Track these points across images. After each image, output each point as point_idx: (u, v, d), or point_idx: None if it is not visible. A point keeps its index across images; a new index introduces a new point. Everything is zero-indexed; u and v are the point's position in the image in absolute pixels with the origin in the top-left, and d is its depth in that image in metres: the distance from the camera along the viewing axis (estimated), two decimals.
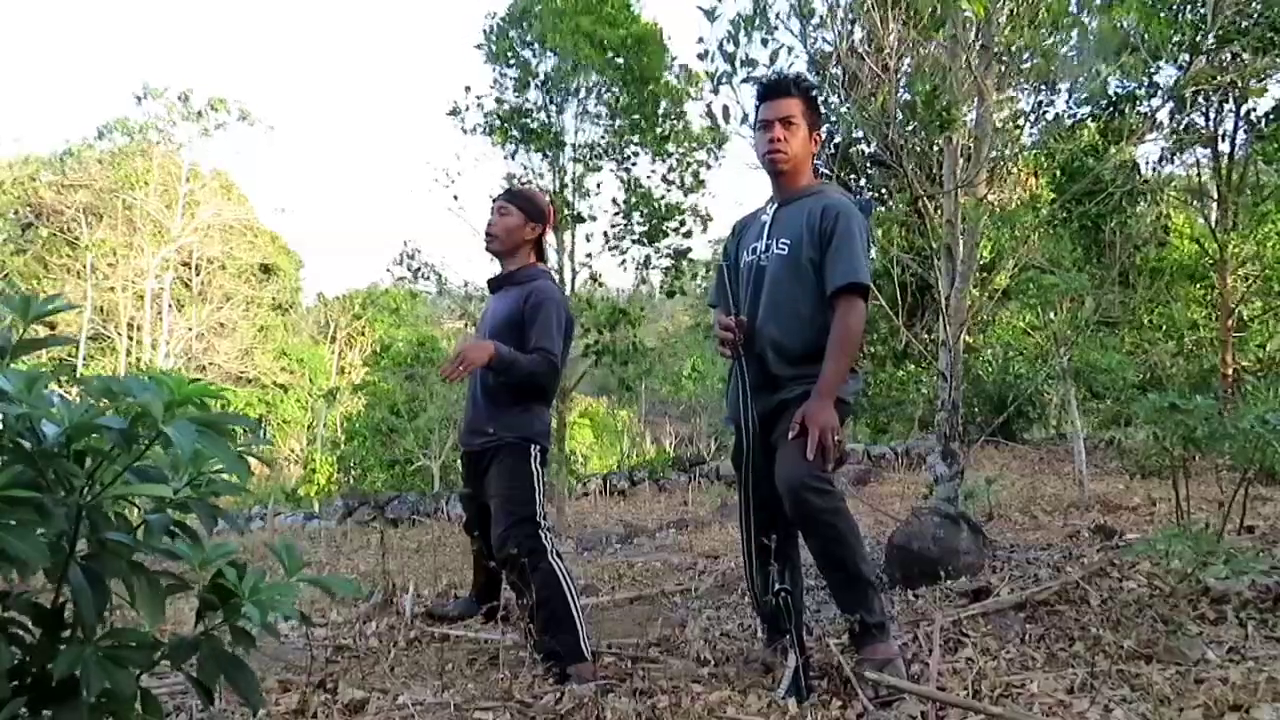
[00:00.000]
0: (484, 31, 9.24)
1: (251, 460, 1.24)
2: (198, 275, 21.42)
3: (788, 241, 2.31)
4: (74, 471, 1.07)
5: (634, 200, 9.11)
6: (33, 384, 1.02)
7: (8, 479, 0.97)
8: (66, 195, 20.20)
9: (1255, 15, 6.26)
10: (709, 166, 9.50)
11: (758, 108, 2.41)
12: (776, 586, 2.09)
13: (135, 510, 1.25)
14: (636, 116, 9.08)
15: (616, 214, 9.16)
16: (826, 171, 8.90)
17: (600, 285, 9.27)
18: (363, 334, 24.73)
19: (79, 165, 21.14)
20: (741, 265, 2.43)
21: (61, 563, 1.06)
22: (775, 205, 2.41)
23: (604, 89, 9.17)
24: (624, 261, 9.51)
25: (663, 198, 9.27)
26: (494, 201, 2.85)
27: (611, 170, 9.34)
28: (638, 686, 2.11)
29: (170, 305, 20.92)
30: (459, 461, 2.99)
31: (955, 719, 1.79)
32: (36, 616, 1.09)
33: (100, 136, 22.32)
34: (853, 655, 2.07)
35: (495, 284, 2.84)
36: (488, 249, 2.83)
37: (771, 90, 2.39)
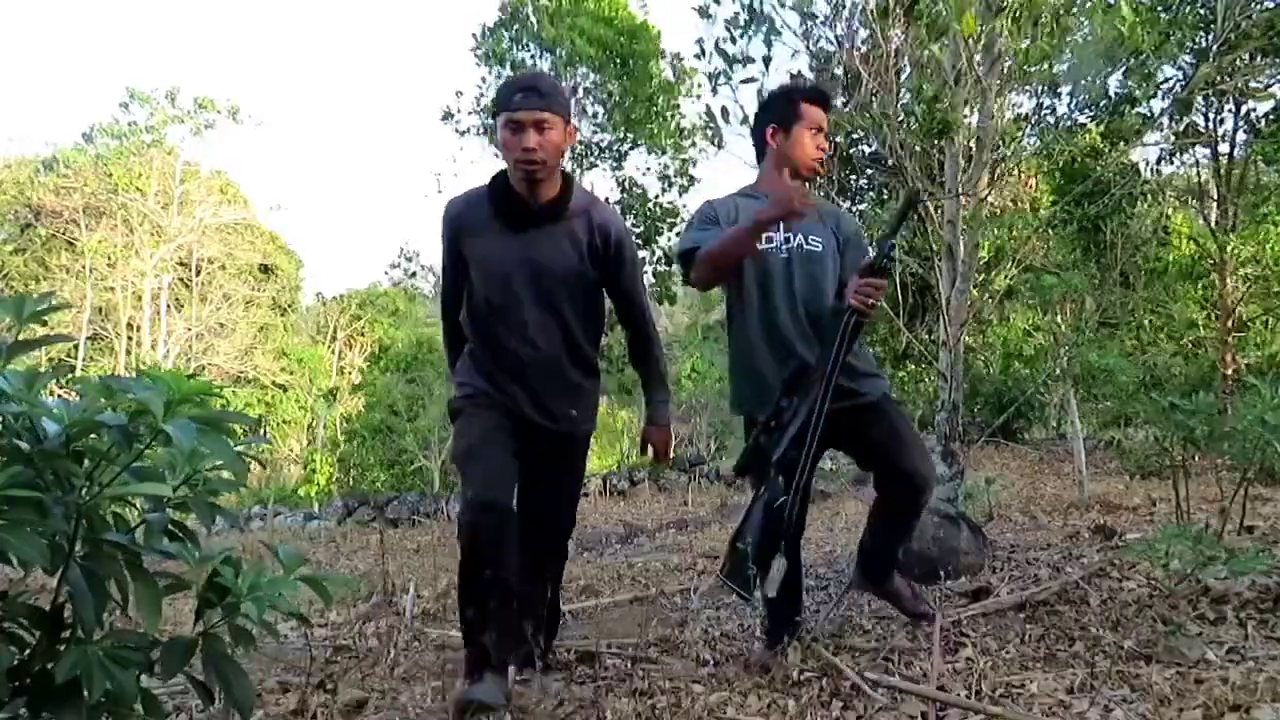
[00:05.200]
0: (474, 35, 9.26)
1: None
2: (197, 275, 21.41)
3: (819, 239, 2.33)
4: (73, 471, 1.07)
5: (628, 201, 9.10)
6: (31, 384, 1.02)
7: (7, 478, 0.97)
8: (65, 196, 20.20)
9: (1257, 19, 6.26)
10: (696, 163, 9.48)
11: (802, 110, 2.36)
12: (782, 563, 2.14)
13: (134, 510, 1.25)
14: (629, 107, 9.06)
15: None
16: (826, 173, 8.91)
17: None
18: (362, 334, 24.72)
19: (70, 170, 21.13)
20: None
21: (61, 562, 1.06)
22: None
23: (599, 85, 9.17)
24: None
25: (657, 197, 9.27)
26: (514, 112, 2.04)
27: (605, 171, 9.35)
28: (638, 686, 2.11)
29: (169, 305, 20.91)
30: None
31: (955, 719, 1.79)
32: (35, 617, 1.09)
33: (88, 140, 22.38)
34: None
35: (527, 216, 2.14)
36: (528, 180, 2.09)
37: (822, 95, 2.42)
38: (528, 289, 2.17)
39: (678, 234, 9.38)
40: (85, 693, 1.03)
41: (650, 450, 2.50)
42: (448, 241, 2.24)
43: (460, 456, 2.12)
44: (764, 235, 2.23)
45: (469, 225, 2.20)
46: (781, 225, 2.27)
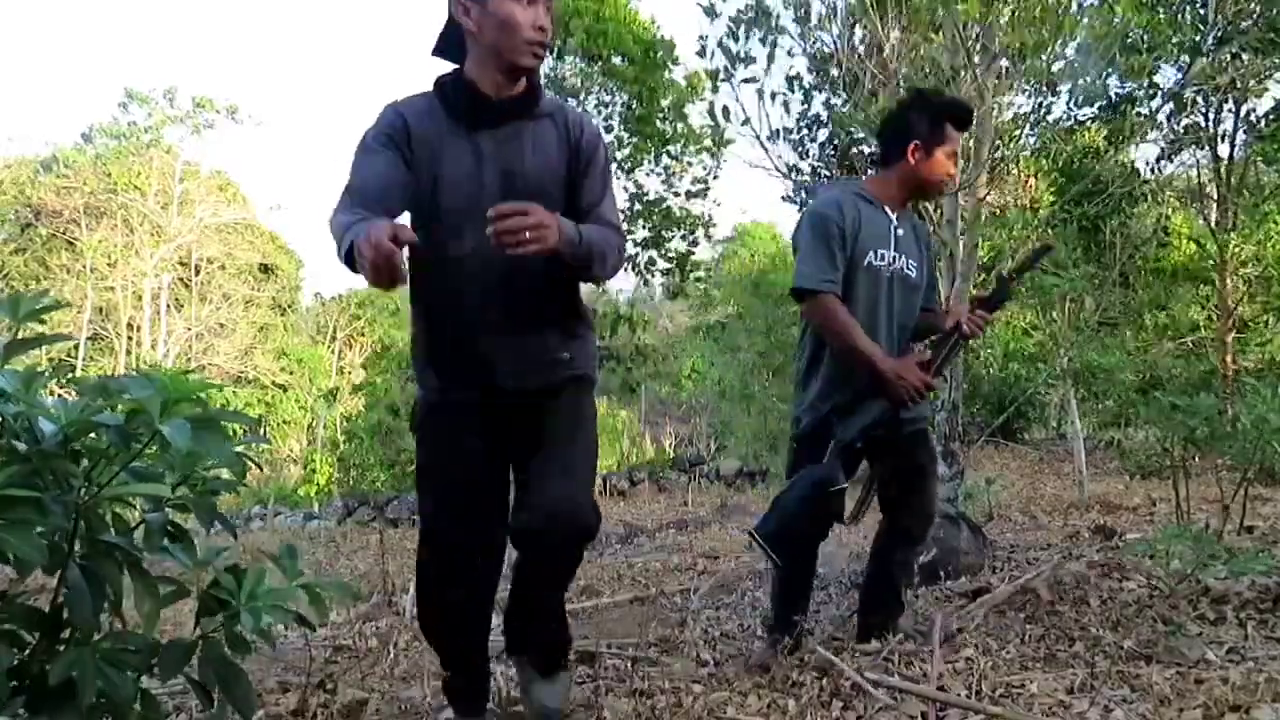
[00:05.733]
0: None
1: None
2: (197, 275, 21.41)
3: (915, 265, 2.35)
4: (70, 471, 1.07)
5: (638, 209, 9.12)
6: (30, 383, 1.02)
7: (5, 478, 0.97)
8: (65, 196, 20.20)
9: (1255, 16, 6.26)
10: (715, 175, 9.48)
11: (948, 132, 2.29)
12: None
13: (134, 510, 1.25)
14: (639, 113, 9.08)
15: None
16: (826, 173, 8.91)
17: (603, 291, 9.28)
18: (362, 335, 24.71)
19: (69, 170, 21.15)
20: (867, 265, 2.25)
21: (60, 563, 1.06)
22: (895, 215, 2.32)
23: (609, 91, 9.18)
24: (630, 266, 9.51)
25: (665, 202, 9.27)
26: None
27: (619, 175, 9.35)
28: (638, 686, 2.11)
29: (169, 305, 20.91)
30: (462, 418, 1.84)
31: (955, 719, 1.79)
32: (33, 618, 1.09)
33: (87, 140, 22.39)
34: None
35: (497, 113, 1.74)
36: (528, 66, 1.72)
37: (969, 120, 2.37)
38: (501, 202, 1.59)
39: (682, 237, 9.39)
40: (80, 694, 1.03)
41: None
42: (394, 142, 1.70)
43: (421, 472, 1.90)
44: (879, 254, 2.26)
45: (427, 137, 1.71)
46: (891, 245, 2.29)
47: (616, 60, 8.58)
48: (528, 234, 1.47)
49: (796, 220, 2.39)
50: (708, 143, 9.24)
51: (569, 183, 1.80)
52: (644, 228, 9.28)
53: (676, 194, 9.52)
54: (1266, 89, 8.60)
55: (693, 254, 9.59)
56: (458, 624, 1.88)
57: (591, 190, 1.81)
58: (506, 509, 1.85)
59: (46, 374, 1.10)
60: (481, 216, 1.50)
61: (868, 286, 2.26)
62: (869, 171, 9.68)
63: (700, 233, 9.39)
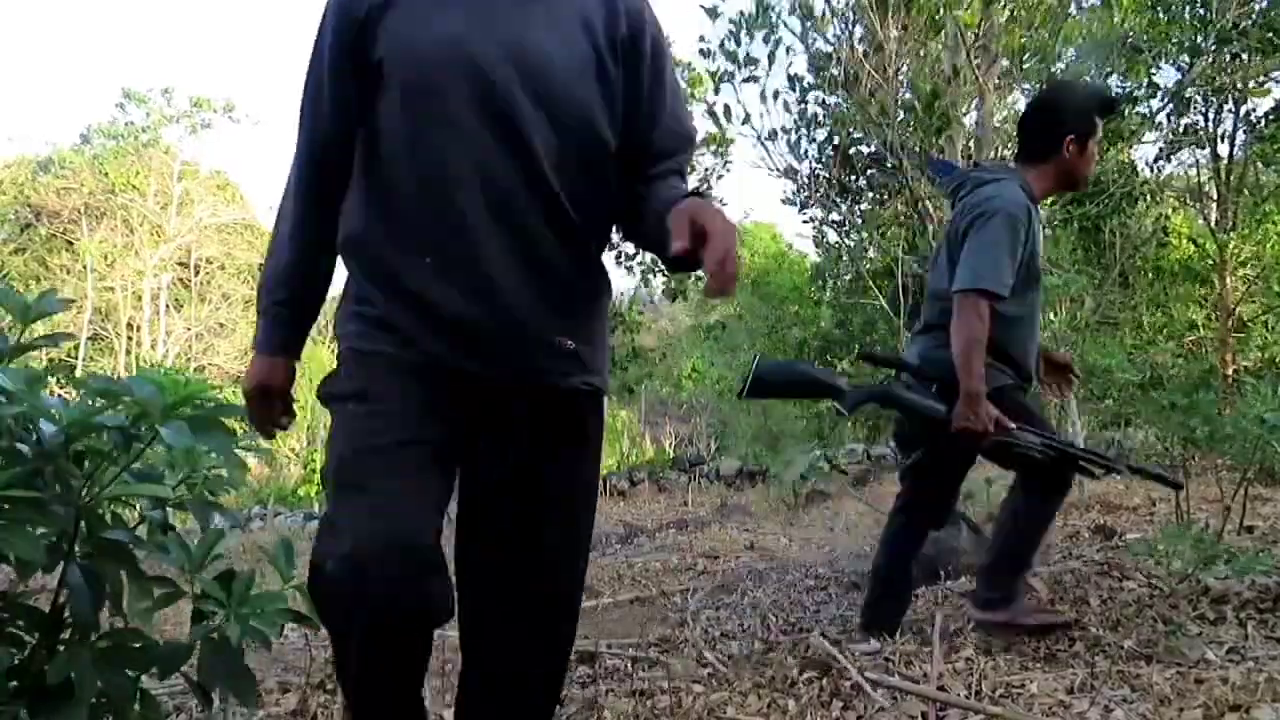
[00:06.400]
0: None
1: (250, 459, 1.24)
2: (196, 275, 21.41)
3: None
4: (71, 471, 1.07)
5: None
6: (32, 384, 1.02)
7: (7, 479, 0.97)
8: (64, 197, 20.21)
9: (1255, 16, 6.28)
10: (720, 176, 9.47)
11: (1098, 123, 2.26)
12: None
13: (134, 510, 1.25)
14: None
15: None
16: (826, 174, 8.90)
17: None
18: None
19: (68, 170, 21.15)
20: (1037, 271, 2.24)
21: (59, 563, 1.06)
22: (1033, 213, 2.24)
23: None
24: (630, 266, 9.48)
25: None
26: None
27: None
28: (638, 687, 2.11)
29: (169, 305, 20.91)
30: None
31: (955, 719, 1.79)
32: (33, 619, 1.09)
33: (85, 141, 22.38)
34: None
35: None
36: None
37: (1116, 109, 2.39)
38: (511, 97, 1.12)
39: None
40: (78, 694, 1.02)
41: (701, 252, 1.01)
42: (342, 32, 1.17)
43: (334, 472, 1.13)
44: (1040, 259, 2.26)
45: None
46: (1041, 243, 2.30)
47: None
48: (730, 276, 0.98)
49: (969, 208, 2.21)
50: (711, 145, 9.25)
51: (605, 73, 1.19)
52: None
53: None
54: (1269, 91, 8.60)
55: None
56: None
57: (661, 98, 1.24)
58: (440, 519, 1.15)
59: (47, 374, 1.11)
60: (460, 101, 1.11)
61: (1035, 292, 2.25)
62: (869, 171, 9.67)
63: None
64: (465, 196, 1.13)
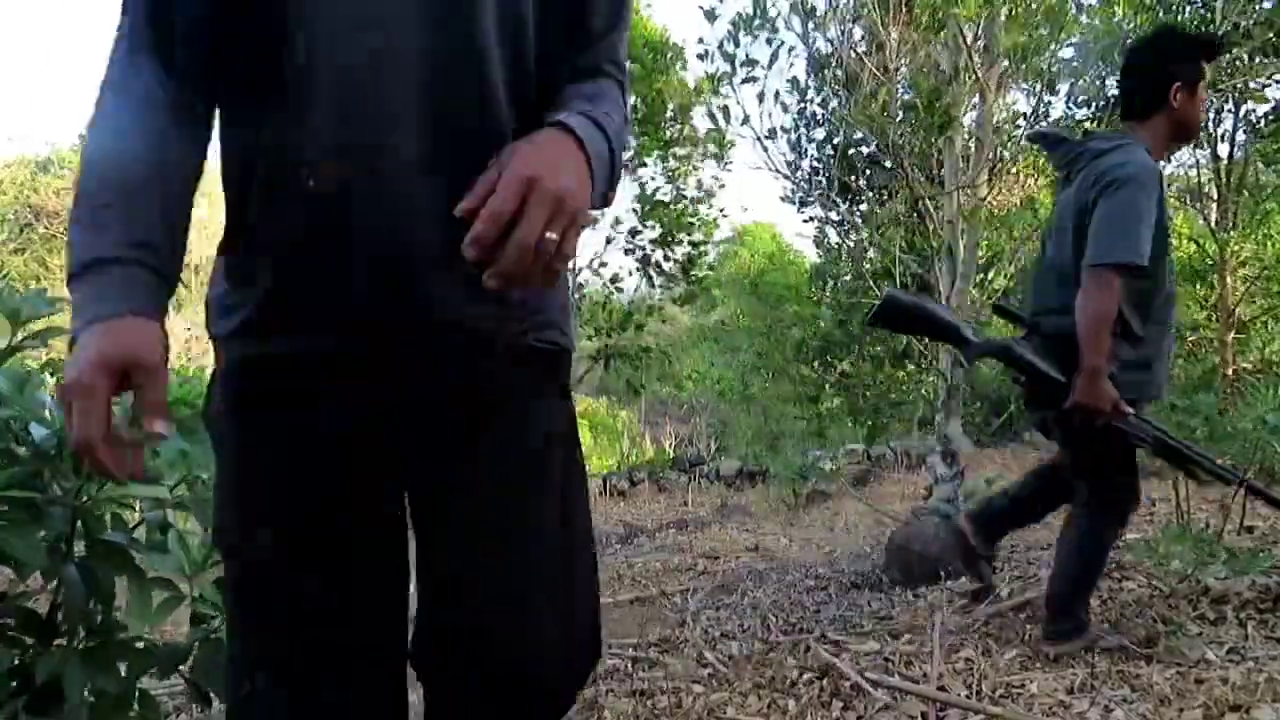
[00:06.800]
0: None
1: None
2: (196, 276, 21.41)
3: None
4: (65, 473, 1.07)
5: (646, 210, 9.12)
6: (22, 385, 1.02)
7: (4, 480, 0.97)
8: (64, 196, 20.21)
9: (1256, 16, 6.28)
10: (723, 185, 9.49)
11: (1204, 66, 2.11)
12: None
13: (134, 512, 1.25)
14: (642, 114, 9.10)
15: (626, 223, 9.20)
16: (825, 173, 8.91)
17: (619, 290, 9.25)
18: None
19: (67, 170, 21.14)
20: (1169, 236, 2.08)
21: (58, 564, 1.05)
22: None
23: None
24: (640, 264, 9.49)
25: (682, 201, 9.29)
26: None
27: (627, 174, 9.39)
28: (638, 687, 2.11)
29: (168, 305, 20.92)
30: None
31: (955, 719, 1.79)
32: (30, 620, 1.09)
33: (84, 141, 22.38)
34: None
35: None
36: None
37: (1220, 51, 2.21)
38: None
39: (691, 243, 9.32)
40: (69, 694, 1.02)
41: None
42: None
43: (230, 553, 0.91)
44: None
45: None
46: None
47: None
48: (546, 258, 0.70)
49: (1097, 177, 2.04)
50: (712, 147, 9.26)
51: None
52: (650, 227, 9.28)
53: (684, 197, 9.54)
54: (1266, 99, 8.60)
55: (705, 255, 9.61)
56: None
57: (605, 17, 0.91)
58: (403, 618, 0.96)
59: (42, 373, 1.10)
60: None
61: (1164, 262, 2.07)
62: (869, 171, 9.68)
63: (704, 234, 9.41)
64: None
